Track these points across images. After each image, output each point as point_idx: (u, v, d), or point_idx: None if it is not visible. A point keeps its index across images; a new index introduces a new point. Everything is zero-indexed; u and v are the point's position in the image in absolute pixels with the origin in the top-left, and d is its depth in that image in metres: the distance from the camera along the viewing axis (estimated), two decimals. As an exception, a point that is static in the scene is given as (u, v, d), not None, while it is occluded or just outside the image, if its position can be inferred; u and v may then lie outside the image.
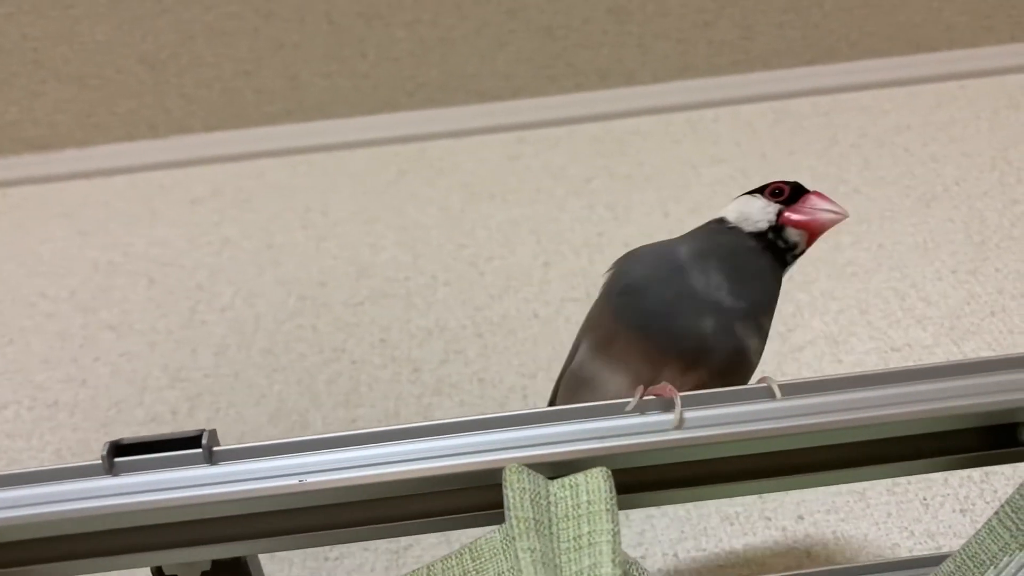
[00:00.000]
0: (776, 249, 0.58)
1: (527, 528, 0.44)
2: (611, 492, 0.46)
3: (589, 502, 0.47)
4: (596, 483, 0.47)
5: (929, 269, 1.03)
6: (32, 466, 0.50)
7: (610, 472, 0.46)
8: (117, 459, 0.50)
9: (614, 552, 0.44)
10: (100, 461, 0.49)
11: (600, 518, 0.46)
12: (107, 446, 0.50)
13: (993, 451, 0.53)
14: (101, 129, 1.42)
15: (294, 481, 0.48)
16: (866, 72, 1.42)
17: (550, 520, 0.46)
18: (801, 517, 0.77)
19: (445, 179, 1.30)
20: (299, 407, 0.94)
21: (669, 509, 0.78)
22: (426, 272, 1.12)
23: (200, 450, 0.50)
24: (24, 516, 0.48)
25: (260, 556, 0.56)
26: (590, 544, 0.45)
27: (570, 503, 0.47)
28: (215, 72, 1.39)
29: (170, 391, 0.99)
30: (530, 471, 0.47)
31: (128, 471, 0.50)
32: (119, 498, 0.49)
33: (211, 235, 1.23)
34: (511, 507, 0.45)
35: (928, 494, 0.77)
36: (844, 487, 0.78)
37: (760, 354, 0.57)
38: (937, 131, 1.29)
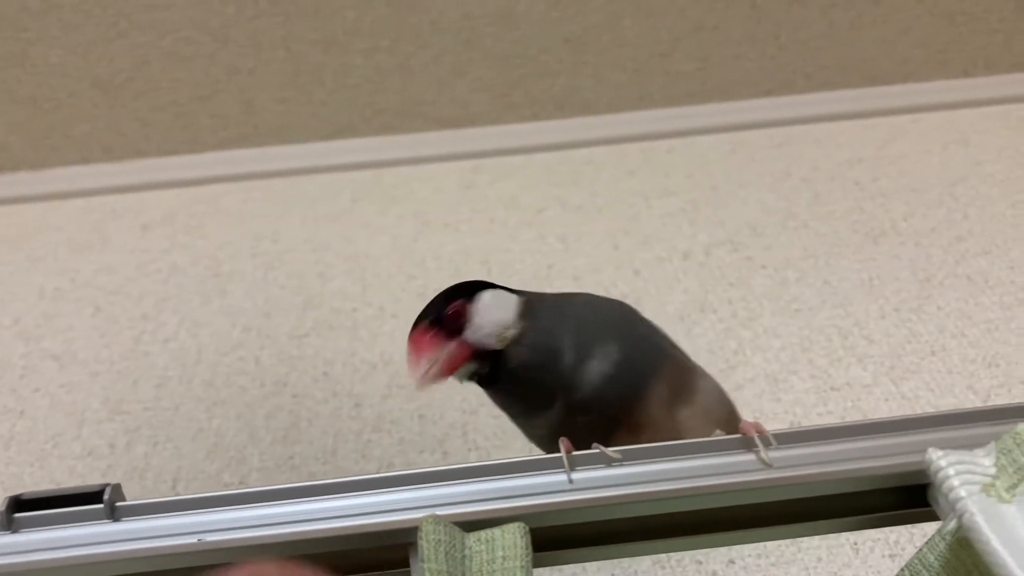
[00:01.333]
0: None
1: None
2: (527, 548, 0.45)
3: (504, 557, 0.46)
4: (512, 538, 0.46)
5: (873, 307, 1.04)
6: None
7: (527, 528, 0.46)
8: (17, 515, 0.49)
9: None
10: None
11: (514, 574, 0.45)
12: (7, 501, 0.49)
13: (908, 511, 0.53)
14: (55, 152, 1.41)
15: (193, 540, 0.48)
16: (821, 104, 1.43)
17: (463, 574, 0.46)
18: (732, 561, 0.77)
19: (399, 207, 1.30)
20: (237, 443, 0.93)
21: (601, 552, 0.78)
22: (374, 303, 1.12)
23: (102, 506, 0.49)
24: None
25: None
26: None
27: (485, 557, 0.47)
28: (171, 96, 1.38)
29: (109, 424, 0.98)
30: (447, 523, 0.47)
31: (29, 527, 0.49)
32: (19, 556, 0.48)
33: (160, 262, 1.22)
34: (426, 559, 0.44)
35: (859, 539, 0.78)
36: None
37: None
38: (889, 165, 1.30)
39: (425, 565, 0.44)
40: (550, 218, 1.25)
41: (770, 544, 0.78)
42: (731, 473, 0.49)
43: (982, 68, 1.44)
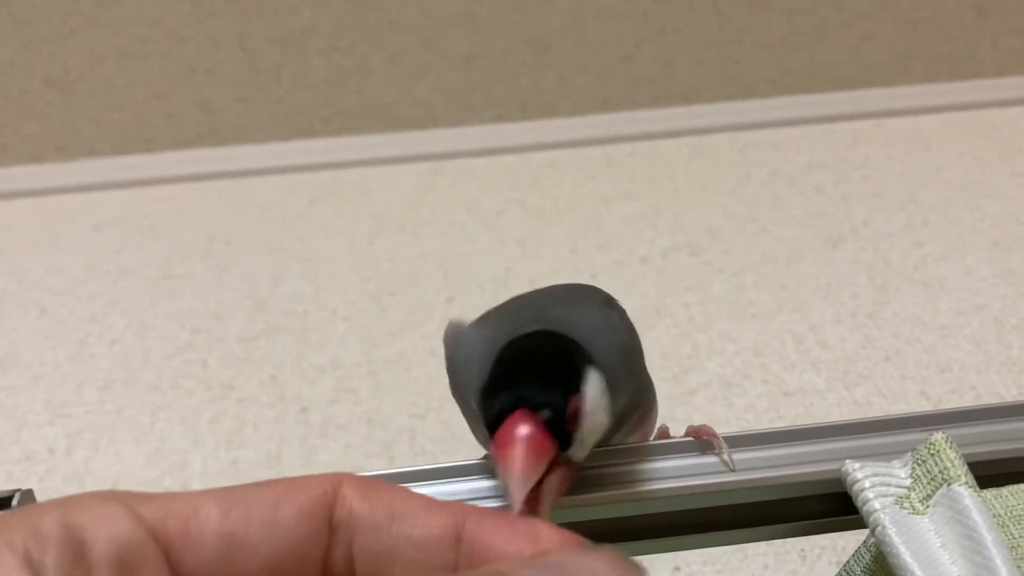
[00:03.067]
0: None
1: None
2: None
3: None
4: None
5: (829, 312, 1.03)
6: None
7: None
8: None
9: None
10: None
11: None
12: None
13: (842, 517, 0.52)
14: (6, 150, 1.38)
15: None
16: (783, 109, 1.42)
17: None
18: (678, 568, 0.76)
19: (355, 209, 1.28)
20: (180, 447, 0.91)
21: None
22: (326, 306, 1.10)
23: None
24: None
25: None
26: None
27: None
28: (125, 95, 1.36)
29: (50, 428, 0.96)
30: None
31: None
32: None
33: (110, 263, 1.20)
34: None
35: (806, 545, 0.76)
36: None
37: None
38: (851, 170, 1.29)
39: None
40: (509, 221, 1.24)
41: (716, 551, 0.76)
42: (687, 476, 0.47)
43: (944, 74, 1.44)
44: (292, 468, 0.88)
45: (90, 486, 0.88)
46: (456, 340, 0.42)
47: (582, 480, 0.44)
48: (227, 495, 0.18)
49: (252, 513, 0.18)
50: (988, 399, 0.88)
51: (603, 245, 1.17)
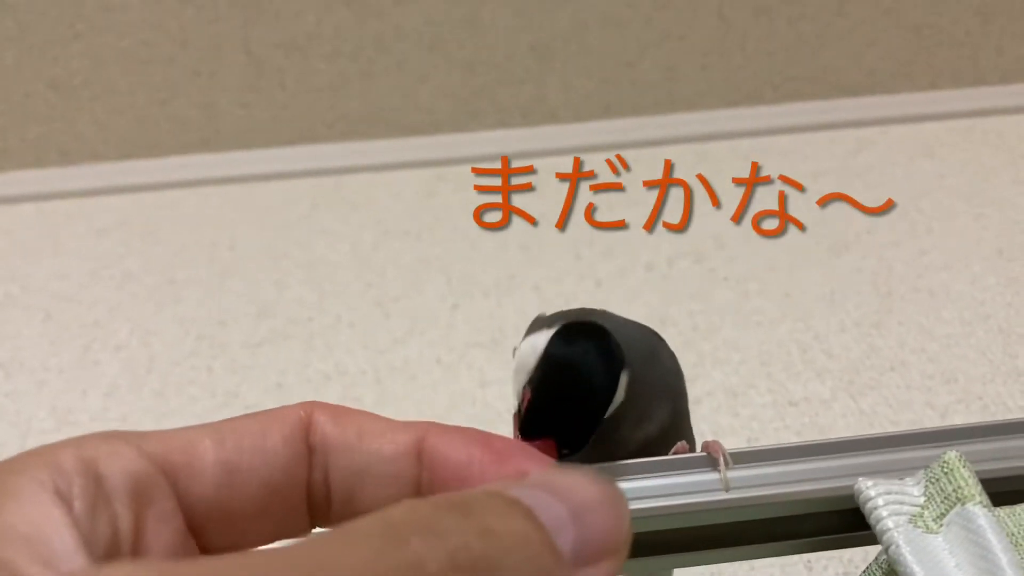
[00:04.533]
0: None
1: None
2: None
3: None
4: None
5: (834, 320, 1.03)
6: None
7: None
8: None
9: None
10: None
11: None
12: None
13: (860, 532, 0.52)
14: (9, 155, 1.38)
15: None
16: (787, 115, 1.42)
17: None
18: (686, 580, 0.76)
19: (359, 214, 1.28)
20: (184, 454, 0.91)
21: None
22: (330, 312, 1.10)
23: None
24: None
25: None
26: None
27: None
28: (129, 99, 1.36)
29: (54, 435, 0.95)
30: None
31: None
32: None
33: (113, 268, 1.20)
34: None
35: (812, 557, 0.76)
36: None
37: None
38: (855, 177, 1.29)
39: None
40: (513, 227, 1.24)
41: (723, 563, 0.76)
42: (687, 494, 0.47)
43: (948, 81, 1.44)
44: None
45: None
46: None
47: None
48: (217, 428, 0.19)
49: (243, 442, 0.19)
50: (994, 410, 0.88)
51: (607, 252, 1.17)
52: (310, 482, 0.20)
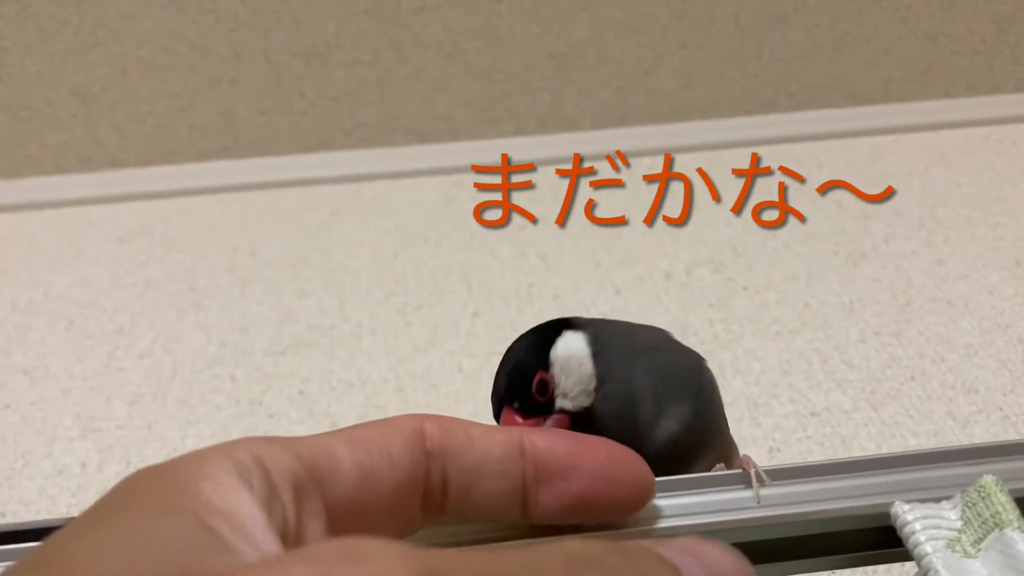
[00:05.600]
0: None
1: None
2: None
3: None
4: None
5: (853, 330, 1.04)
6: None
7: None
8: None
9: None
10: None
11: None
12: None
13: (886, 550, 0.53)
14: (30, 161, 1.39)
15: None
16: (803, 123, 1.43)
17: None
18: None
19: (379, 222, 1.29)
20: (210, 463, 0.92)
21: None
22: (352, 320, 1.11)
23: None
24: None
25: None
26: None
27: None
28: (149, 107, 1.37)
29: (81, 442, 0.97)
30: None
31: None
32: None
33: (135, 275, 1.21)
34: None
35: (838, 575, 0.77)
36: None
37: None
38: (870, 186, 1.30)
39: None
40: (531, 235, 1.24)
41: None
42: (718, 511, 0.48)
43: (964, 89, 1.45)
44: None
45: (122, 501, 0.89)
46: None
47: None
48: (348, 436, 0.21)
49: (372, 448, 0.21)
50: (1015, 420, 0.89)
51: (625, 260, 1.18)
52: (429, 482, 0.22)
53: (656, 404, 0.50)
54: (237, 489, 0.18)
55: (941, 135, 1.40)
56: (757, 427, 0.92)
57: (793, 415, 0.93)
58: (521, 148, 1.40)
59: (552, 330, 0.46)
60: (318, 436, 0.21)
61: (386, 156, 1.39)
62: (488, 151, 1.40)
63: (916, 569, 0.43)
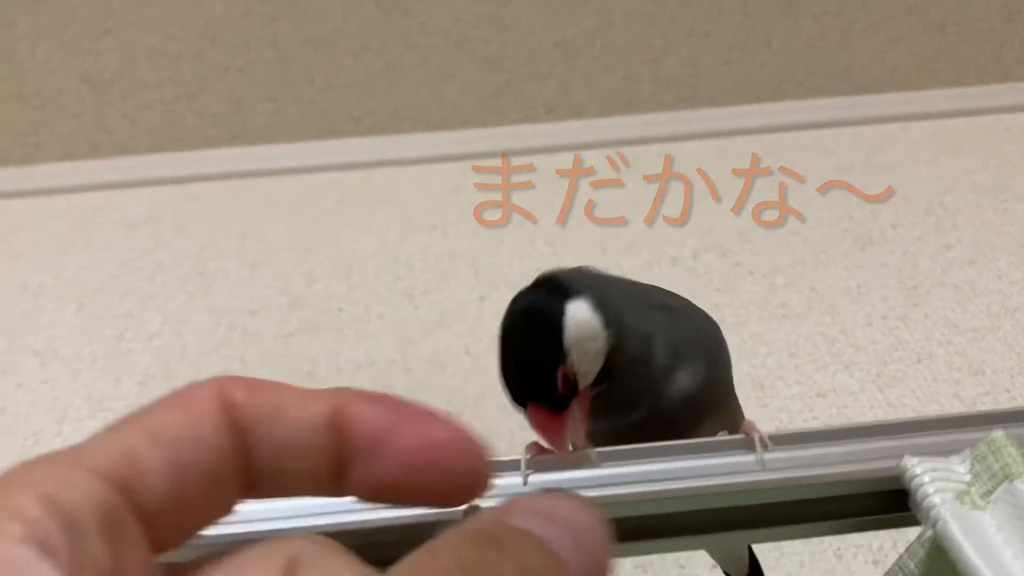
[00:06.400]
0: None
1: None
2: None
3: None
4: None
5: (860, 314, 1.04)
6: None
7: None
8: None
9: None
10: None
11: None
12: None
13: (894, 514, 0.53)
14: (41, 148, 1.40)
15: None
16: (811, 111, 1.43)
17: None
18: (715, 566, 0.77)
19: (386, 208, 1.29)
20: (219, 442, 0.92)
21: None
22: (360, 304, 1.11)
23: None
24: None
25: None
26: None
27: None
28: (158, 94, 1.38)
29: (90, 421, 0.97)
30: None
31: None
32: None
33: (144, 260, 1.21)
34: None
35: (842, 544, 0.77)
36: (760, 536, 0.78)
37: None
38: (878, 173, 1.30)
39: None
40: (538, 220, 1.25)
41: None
42: (723, 475, 0.48)
43: (972, 78, 1.45)
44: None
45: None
46: None
47: (616, 479, 0.45)
48: (150, 429, 0.19)
49: (179, 438, 0.19)
50: (1023, 402, 0.89)
51: (632, 245, 1.18)
52: (239, 460, 0.19)
53: (672, 356, 0.49)
54: (33, 564, 0.15)
55: (950, 123, 1.40)
56: (763, 408, 0.92)
57: (799, 396, 0.93)
58: (527, 136, 1.41)
59: (551, 299, 0.43)
60: (116, 434, 0.18)
61: (394, 144, 1.40)
62: (495, 139, 1.40)
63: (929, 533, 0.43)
